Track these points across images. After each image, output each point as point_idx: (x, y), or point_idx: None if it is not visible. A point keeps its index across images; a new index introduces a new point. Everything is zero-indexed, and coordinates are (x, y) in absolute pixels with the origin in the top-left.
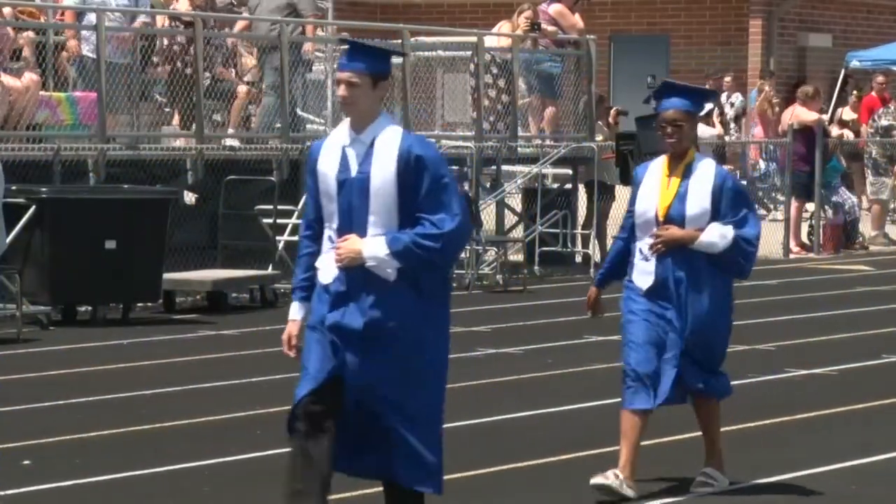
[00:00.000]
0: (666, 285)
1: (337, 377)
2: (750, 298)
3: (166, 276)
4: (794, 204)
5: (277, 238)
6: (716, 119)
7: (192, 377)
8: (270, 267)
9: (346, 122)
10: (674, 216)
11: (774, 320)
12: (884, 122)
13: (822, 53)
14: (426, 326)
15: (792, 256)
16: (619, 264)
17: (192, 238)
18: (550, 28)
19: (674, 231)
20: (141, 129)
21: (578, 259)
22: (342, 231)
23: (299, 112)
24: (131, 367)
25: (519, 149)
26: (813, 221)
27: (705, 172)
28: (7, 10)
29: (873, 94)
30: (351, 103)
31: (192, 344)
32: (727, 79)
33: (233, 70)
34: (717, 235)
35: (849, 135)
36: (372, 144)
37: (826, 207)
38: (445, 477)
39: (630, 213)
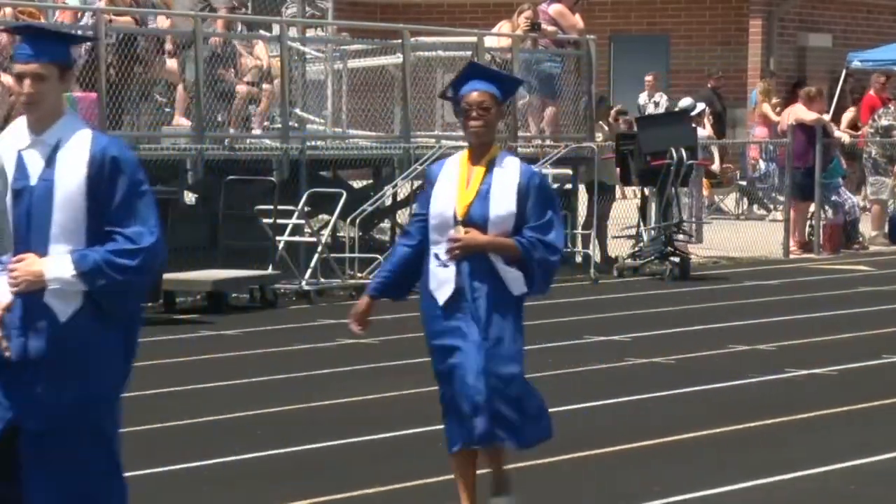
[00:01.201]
0: (465, 296)
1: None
2: (750, 298)
3: (166, 276)
4: (794, 204)
5: (277, 238)
6: (706, 120)
7: (192, 377)
8: (270, 267)
9: (21, 122)
10: (475, 217)
11: (774, 320)
12: (884, 122)
13: (822, 53)
14: (105, 358)
15: (792, 256)
16: (401, 274)
17: (192, 238)
18: (550, 28)
19: (474, 235)
20: (141, 129)
21: (578, 259)
22: (18, 249)
23: (298, 112)
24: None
25: (519, 149)
26: (813, 221)
27: (510, 169)
28: (7, 11)
29: (871, 93)
30: (38, 101)
31: (192, 344)
32: (648, 78)
33: (232, 70)
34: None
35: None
36: (57, 147)
37: (826, 207)
38: (445, 477)
39: (418, 215)
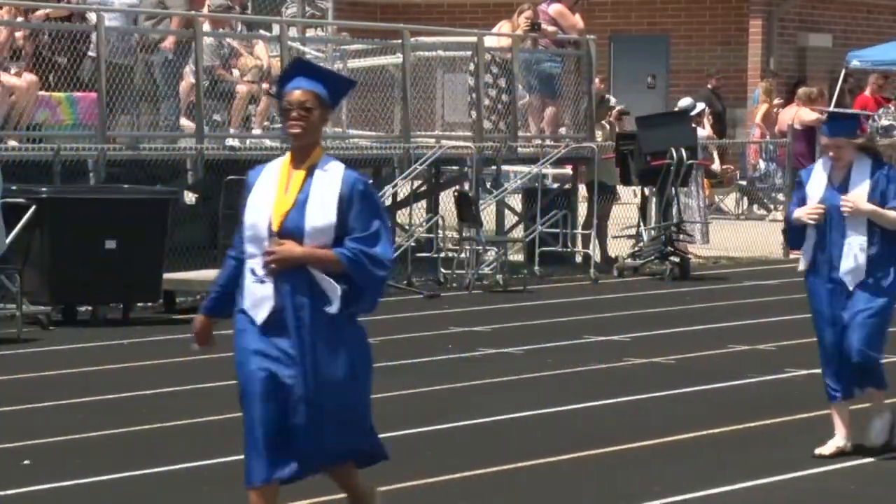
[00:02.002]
0: (286, 315)
1: None
2: (750, 298)
3: (166, 276)
4: None
5: None
6: (706, 120)
7: (192, 377)
8: None
9: None
10: (291, 228)
11: (774, 320)
12: (884, 122)
13: (822, 53)
14: None
15: (792, 256)
16: (233, 288)
17: (192, 238)
18: (550, 28)
19: (290, 246)
20: (141, 129)
21: (578, 259)
22: None
23: None
24: (131, 367)
25: (519, 149)
26: None
27: (331, 176)
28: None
29: (867, 93)
30: None
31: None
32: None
33: (235, 71)
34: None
35: None
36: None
37: None
38: (445, 476)
39: (242, 225)
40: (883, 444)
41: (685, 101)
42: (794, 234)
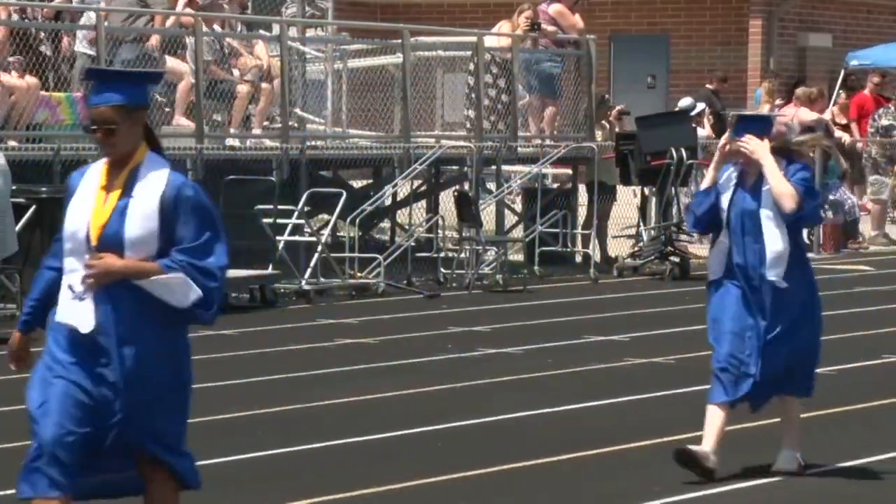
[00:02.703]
0: (107, 334)
1: None
2: None
3: None
4: None
5: (277, 238)
6: (706, 120)
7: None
8: (270, 267)
9: None
10: (110, 239)
11: None
12: (884, 122)
13: (822, 53)
14: None
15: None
16: (49, 301)
17: None
18: (550, 28)
19: (110, 260)
20: None
21: (578, 259)
22: None
23: (299, 112)
24: None
25: (519, 149)
26: None
27: (154, 181)
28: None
29: (866, 92)
30: None
31: (192, 344)
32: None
33: (236, 70)
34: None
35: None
36: None
37: (826, 207)
38: (445, 477)
39: (61, 232)
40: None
41: (685, 101)
42: (698, 200)
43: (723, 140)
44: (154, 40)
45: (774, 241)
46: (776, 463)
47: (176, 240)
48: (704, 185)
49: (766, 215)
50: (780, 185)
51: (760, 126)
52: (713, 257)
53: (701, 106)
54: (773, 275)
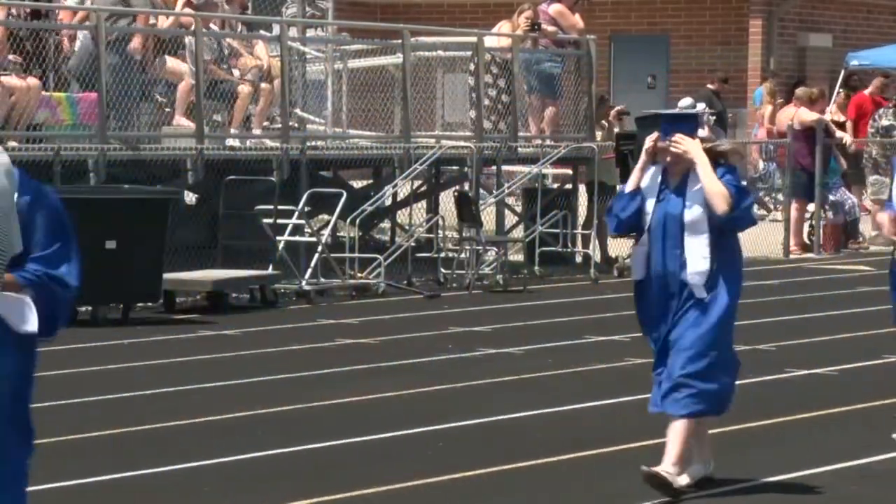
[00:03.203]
0: None
1: None
2: (750, 298)
3: (166, 276)
4: (794, 204)
5: (277, 238)
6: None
7: (192, 377)
8: (270, 267)
9: None
10: None
11: (774, 320)
12: (884, 122)
13: (822, 53)
14: None
15: (792, 256)
16: None
17: (192, 238)
18: (550, 28)
19: None
20: (141, 129)
21: (578, 259)
22: None
23: (299, 112)
24: (131, 367)
25: (519, 149)
26: (813, 221)
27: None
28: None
29: (866, 92)
30: None
31: (192, 344)
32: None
33: (236, 71)
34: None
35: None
36: None
37: (826, 207)
38: (446, 477)
39: None
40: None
41: (685, 102)
42: (622, 204)
43: (648, 140)
44: (136, 42)
45: (697, 246)
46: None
47: (33, 246)
48: (629, 187)
49: (689, 219)
50: (714, 185)
51: (689, 125)
52: (635, 258)
53: (701, 106)
54: (693, 281)
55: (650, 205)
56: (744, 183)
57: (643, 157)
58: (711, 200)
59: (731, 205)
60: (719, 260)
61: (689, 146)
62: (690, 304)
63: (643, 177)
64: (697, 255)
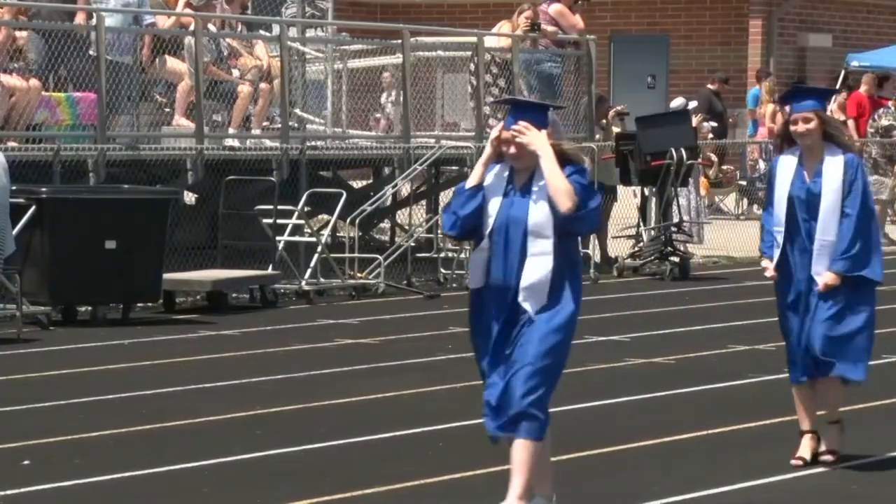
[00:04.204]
0: None
1: None
2: (750, 298)
3: (166, 276)
4: None
5: (277, 238)
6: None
7: (192, 377)
8: (270, 267)
9: None
10: None
11: (774, 320)
12: (884, 122)
13: (822, 53)
14: None
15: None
16: None
17: (192, 238)
18: (550, 28)
19: None
20: (141, 129)
21: None
22: None
23: (298, 112)
24: (131, 367)
25: None
26: None
27: None
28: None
29: (861, 90)
30: None
31: (192, 344)
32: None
33: (236, 71)
34: None
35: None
36: None
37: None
38: (446, 476)
39: None
40: None
41: (677, 102)
42: (461, 200)
43: (494, 131)
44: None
45: (538, 252)
46: None
47: None
48: (470, 183)
49: (533, 221)
50: (558, 181)
51: (539, 115)
52: (473, 263)
53: (693, 104)
54: (528, 295)
55: (494, 205)
56: (594, 184)
57: (487, 149)
58: (555, 197)
59: (577, 203)
60: (559, 269)
61: (533, 138)
62: (526, 319)
63: (485, 173)
64: (538, 265)
